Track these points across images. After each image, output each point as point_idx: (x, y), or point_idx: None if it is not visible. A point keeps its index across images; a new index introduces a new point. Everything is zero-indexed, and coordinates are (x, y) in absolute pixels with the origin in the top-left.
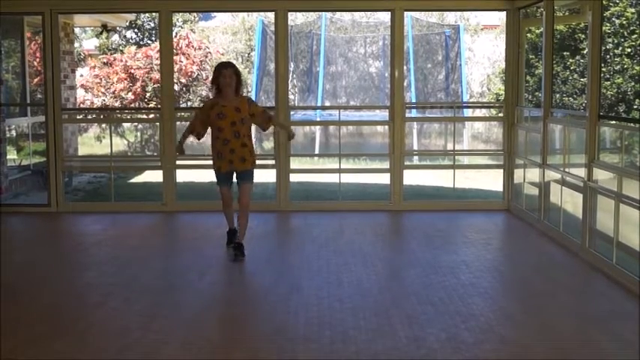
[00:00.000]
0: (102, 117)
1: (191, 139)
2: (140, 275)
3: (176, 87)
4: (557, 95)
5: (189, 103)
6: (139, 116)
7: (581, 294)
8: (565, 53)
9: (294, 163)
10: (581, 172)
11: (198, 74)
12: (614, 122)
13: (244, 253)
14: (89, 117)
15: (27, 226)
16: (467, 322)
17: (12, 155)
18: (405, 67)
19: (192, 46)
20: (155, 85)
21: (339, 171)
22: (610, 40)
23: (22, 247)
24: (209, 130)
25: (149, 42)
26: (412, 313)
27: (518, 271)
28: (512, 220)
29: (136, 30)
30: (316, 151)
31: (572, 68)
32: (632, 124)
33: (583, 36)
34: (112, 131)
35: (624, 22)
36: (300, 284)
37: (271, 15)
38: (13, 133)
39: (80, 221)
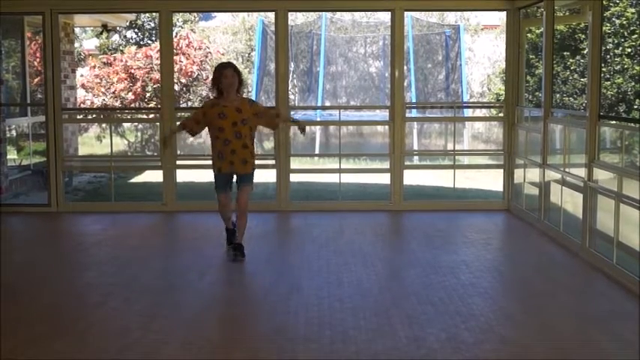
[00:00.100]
0: (102, 117)
1: (191, 139)
2: (140, 275)
3: (176, 87)
4: (558, 95)
5: (189, 103)
6: (139, 116)
7: (582, 294)
8: (565, 53)
9: (295, 163)
10: (582, 172)
11: (198, 74)
12: (614, 122)
13: (244, 253)
14: (89, 117)
15: (27, 226)
16: (467, 322)
17: (12, 155)
18: (405, 67)
19: (193, 46)
20: (155, 85)
21: (340, 171)
22: (610, 40)
23: (22, 247)
24: (208, 130)
25: (149, 42)
26: (412, 313)
27: (518, 271)
28: (512, 220)
29: (136, 30)
30: (316, 151)
31: (572, 68)
32: (632, 124)
33: (583, 36)
34: (112, 131)
35: (624, 22)
36: (300, 284)
37: (271, 15)
38: (14, 133)
39: (80, 221)
